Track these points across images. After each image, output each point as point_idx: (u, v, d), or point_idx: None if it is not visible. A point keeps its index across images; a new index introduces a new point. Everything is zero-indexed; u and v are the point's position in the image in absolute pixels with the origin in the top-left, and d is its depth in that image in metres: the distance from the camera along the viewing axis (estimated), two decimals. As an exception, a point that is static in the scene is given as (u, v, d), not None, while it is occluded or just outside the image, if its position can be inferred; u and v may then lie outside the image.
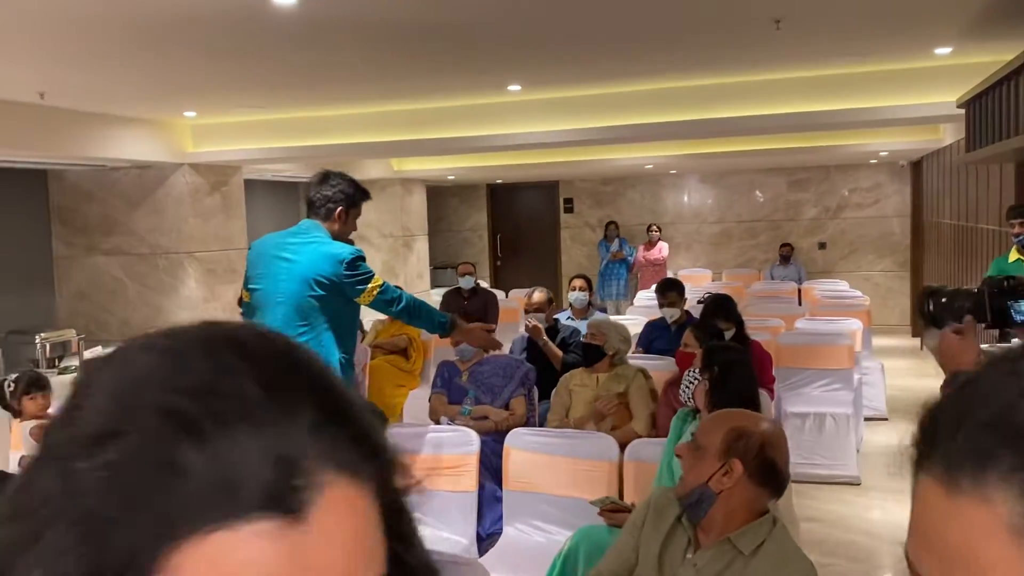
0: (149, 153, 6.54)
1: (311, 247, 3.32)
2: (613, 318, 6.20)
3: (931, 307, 1.87)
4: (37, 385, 3.79)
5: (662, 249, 11.25)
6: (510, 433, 3.63)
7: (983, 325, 1.76)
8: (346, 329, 3.42)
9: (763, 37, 4.36)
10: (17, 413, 3.76)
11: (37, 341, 5.81)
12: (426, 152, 8.49)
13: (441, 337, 3.70)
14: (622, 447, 3.45)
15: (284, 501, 0.44)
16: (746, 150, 9.33)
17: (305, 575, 0.45)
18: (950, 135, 8.07)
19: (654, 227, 11.34)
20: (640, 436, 3.83)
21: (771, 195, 12.31)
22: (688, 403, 3.16)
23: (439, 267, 12.16)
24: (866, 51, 4.88)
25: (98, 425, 0.46)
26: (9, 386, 3.75)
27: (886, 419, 6.93)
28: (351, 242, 3.49)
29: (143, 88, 5.24)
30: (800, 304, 8.83)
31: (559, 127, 6.49)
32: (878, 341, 8.92)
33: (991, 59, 4.95)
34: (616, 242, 11.27)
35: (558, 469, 3.47)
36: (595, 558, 2.85)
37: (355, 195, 3.46)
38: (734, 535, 1.91)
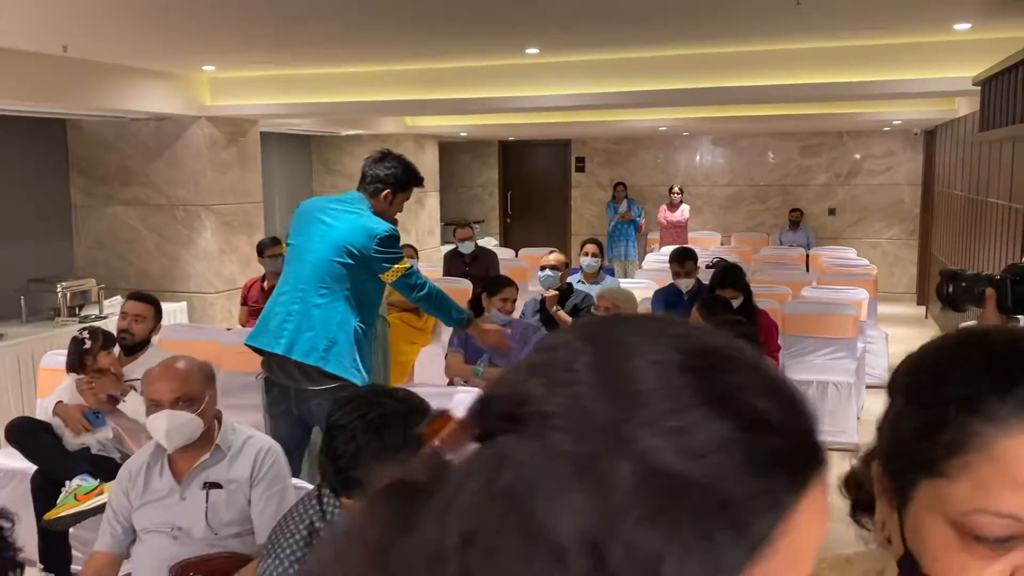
0: (167, 106, 6.59)
1: (350, 217, 3.40)
2: (622, 282, 6.30)
3: (950, 290, 1.96)
4: (112, 339, 3.90)
5: (684, 211, 11.28)
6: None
7: (1004, 314, 1.83)
8: (368, 301, 3.47)
9: (783, 10, 4.38)
10: (84, 367, 3.82)
11: (59, 290, 5.92)
12: (442, 112, 8.51)
13: (459, 328, 3.74)
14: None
15: None
16: (760, 115, 9.32)
17: None
18: (964, 107, 8.05)
19: (676, 189, 11.35)
20: None
21: (783, 160, 12.30)
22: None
23: (450, 223, 12.21)
24: (885, 24, 4.89)
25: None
26: (85, 343, 3.81)
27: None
28: (395, 222, 3.55)
29: (163, 42, 5.28)
30: (807, 270, 8.90)
31: (575, 91, 6.51)
32: (883, 308, 9.00)
33: (1010, 35, 4.97)
34: (624, 203, 11.30)
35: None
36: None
37: (407, 181, 3.49)
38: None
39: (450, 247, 7.93)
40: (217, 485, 2.35)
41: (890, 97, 6.96)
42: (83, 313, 6.01)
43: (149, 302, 4.07)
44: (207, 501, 2.33)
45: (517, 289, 4.84)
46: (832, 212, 12.09)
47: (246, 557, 2.33)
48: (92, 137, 7.15)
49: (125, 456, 3.81)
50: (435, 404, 3.69)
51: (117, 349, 4.02)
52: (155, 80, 6.44)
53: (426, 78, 6.70)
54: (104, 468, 3.71)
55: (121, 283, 6.95)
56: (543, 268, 5.70)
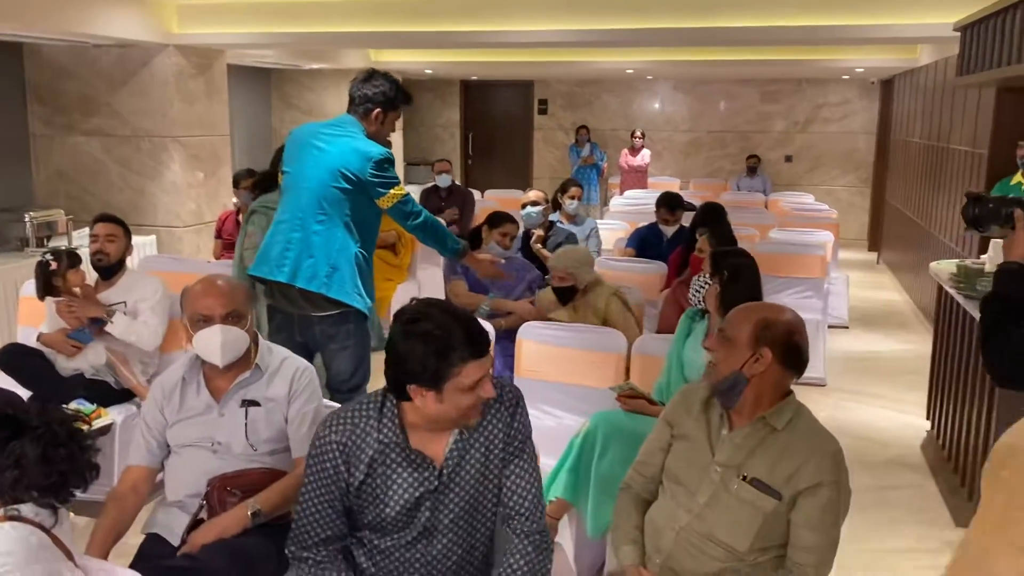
0: (133, 32, 6.36)
1: (343, 140, 3.35)
2: (586, 225, 6.29)
3: (976, 211, 2.07)
4: (77, 258, 3.84)
5: (645, 156, 11.35)
6: (523, 326, 3.83)
7: None
8: (367, 227, 3.45)
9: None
10: (54, 290, 3.78)
11: (27, 219, 5.76)
12: (414, 45, 8.38)
13: (456, 259, 3.76)
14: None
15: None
16: (724, 59, 9.39)
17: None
18: (927, 55, 8.24)
19: (637, 133, 11.41)
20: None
21: (742, 106, 12.44)
22: (699, 305, 3.37)
23: (412, 163, 12.12)
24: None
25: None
26: (50, 265, 3.77)
27: (847, 327, 7.32)
28: (388, 144, 3.53)
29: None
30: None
31: (547, 27, 6.48)
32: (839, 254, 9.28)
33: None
34: (587, 147, 11.34)
35: (568, 360, 3.68)
36: (613, 440, 3.10)
37: (395, 98, 3.41)
38: (767, 413, 2.13)
39: (413, 188, 7.90)
40: (255, 403, 2.38)
41: (860, 42, 7.08)
42: (51, 244, 5.86)
43: (117, 222, 4.01)
44: (246, 418, 2.35)
45: (517, 226, 4.86)
46: (789, 159, 12.32)
47: (282, 472, 2.38)
48: (51, 64, 6.88)
49: (119, 382, 3.81)
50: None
51: (95, 276, 3.97)
52: (120, 4, 6.20)
53: (397, 10, 6.57)
54: (99, 392, 3.70)
55: (84, 215, 6.75)
56: (524, 206, 5.74)
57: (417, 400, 1.91)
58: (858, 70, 10.22)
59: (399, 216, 3.44)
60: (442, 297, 6.28)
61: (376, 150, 3.33)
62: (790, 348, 2.13)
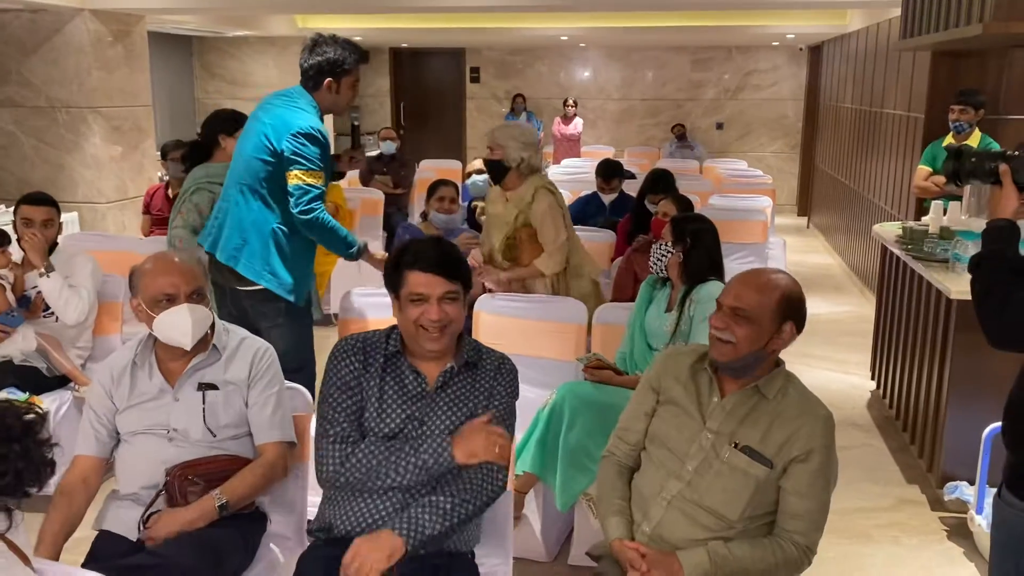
0: (45, -5, 5.98)
1: (278, 111, 3.18)
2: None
3: (957, 165, 2.04)
4: (6, 239, 3.58)
5: (578, 125, 11.29)
6: (480, 298, 3.72)
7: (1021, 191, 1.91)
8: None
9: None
10: None
11: (-64, 198, 5.38)
12: (341, 10, 8.11)
13: (348, 260, 3.47)
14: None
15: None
16: (656, 26, 9.37)
17: None
18: (856, 21, 8.36)
19: (570, 101, 11.32)
20: (545, 276, 3.81)
21: (674, 74, 12.48)
22: (661, 273, 3.32)
23: (341, 134, 11.82)
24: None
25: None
26: None
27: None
28: (355, 108, 3.32)
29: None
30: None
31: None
32: (772, 219, 9.40)
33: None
34: (523, 115, 11.22)
35: (528, 332, 3.60)
36: (580, 411, 3.04)
37: (344, 61, 3.18)
38: (760, 382, 2.09)
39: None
40: (213, 386, 2.22)
41: (795, 7, 7.12)
42: (-36, 223, 5.48)
43: (52, 203, 3.76)
44: (204, 402, 2.20)
45: (455, 188, 4.73)
46: (720, 127, 12.43)
47: (245, 459, 2.24)
48: (-47, 29, 6.43)
49: (52, 368, 3.58)
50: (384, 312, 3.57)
51: (20, 255, 3.72)
52: (30, -35, 5.82)
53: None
54: (30, 379, 3.49)
55: (-2, 192, 6.40)
56: (470, 175, 5.62)
57: (394, 311, 2.16)
58: (788, 36, 10.33)
59: (293, 204, 3.12)
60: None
61: (303, 122, 3.11)
62: (803, 315, 2.10)
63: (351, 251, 3.34)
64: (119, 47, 6.72)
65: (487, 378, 2.17)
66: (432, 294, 2.07)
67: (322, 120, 3.24)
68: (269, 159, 3.15)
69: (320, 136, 3.14)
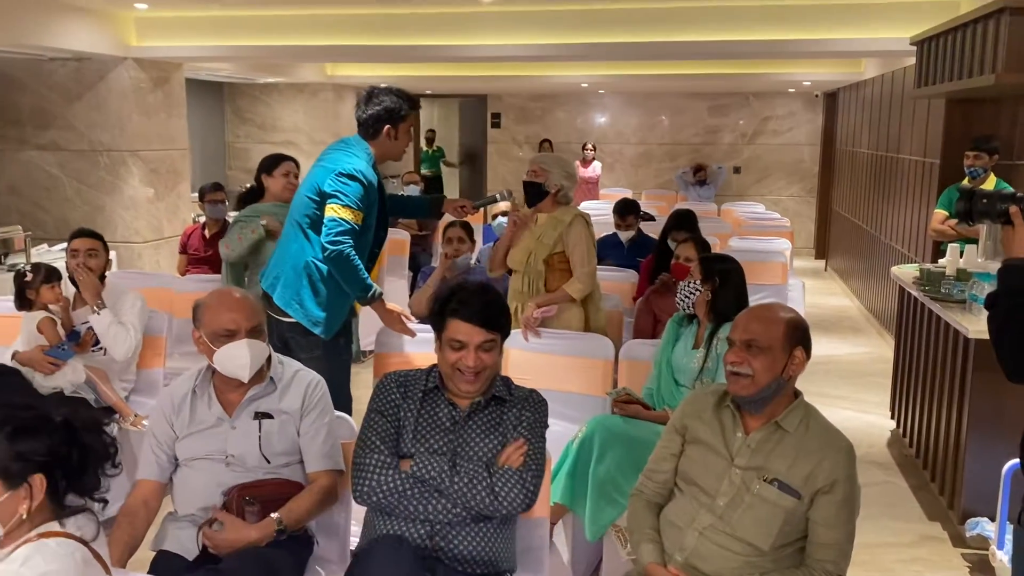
0: (90, 44, 6.25)
1: (333, 155, 3.36)
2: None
3: (969, 206, 2.17)
4: (56, 275, 3.76)
5: (596, 168, 11.53)
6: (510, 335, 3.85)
7: None
8: None
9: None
10: (29, 304, 3.72)
11: (-16, 237, 5.61)
12: (369, 59, 8.38)
13: (360, 304, 3.52)
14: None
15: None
16: (674, 74, 9.59)
17: None
18: (871, 69, 8.55)
19: (588, 145, 11.57)
20: (574, 301, 3.89)
21: (691, 119, 12.70)
22: (688, 310, 3.44)
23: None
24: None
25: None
26: (26, 276, 3.70)
27: (804, 333, 7.51)
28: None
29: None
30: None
31: (503, 42, 6.56)
32: (790, 262, 9.51)
33: None
34: (565, 157, 11.45)
35: (556, 367, 3.72)
36: (610, 444, 3.15)
37: (400, 109, 3.36)
38: (780, 418, 2.21)
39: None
40: (268, 415, 2.36)
41: (810, 56, 7.31)
42: (9, 261, 5.70)
43: (96, 236, 3.96)
44: (260, 431, 2.34)
45: (461, 228, 4.88)
46: (737, 171, 12.61)
47: (297, 484, 2.37)
48: (2, 77, 6.72)
49: (99, 399, 3.73)
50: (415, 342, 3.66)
51: (71, 290, 3.90)
52: (78, 16, 6.09)
53: (353, 24, 6.59)
54: (79, 412, 3.62)
55: (38, 231, 6.63)
56: (496, 216, 5.79)
57: (435, 349, 2.34)
58: (804, 83, 10.54)
59: (325, 233, 3.22)
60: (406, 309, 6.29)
61: (348, 165, 3.26)
62: (809, 341, 2.24)
63: (367, 294, 3.36)
64: (158, 93, 6.99)
65: (516, 408, 2.32)
66: (471, 342, 2.23)
67: (375, 168, 3.39)
68: (315, 198, 3.31)
69: (362, 178, 3.26)
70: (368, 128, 3.39)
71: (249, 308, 2.37)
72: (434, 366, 2.38)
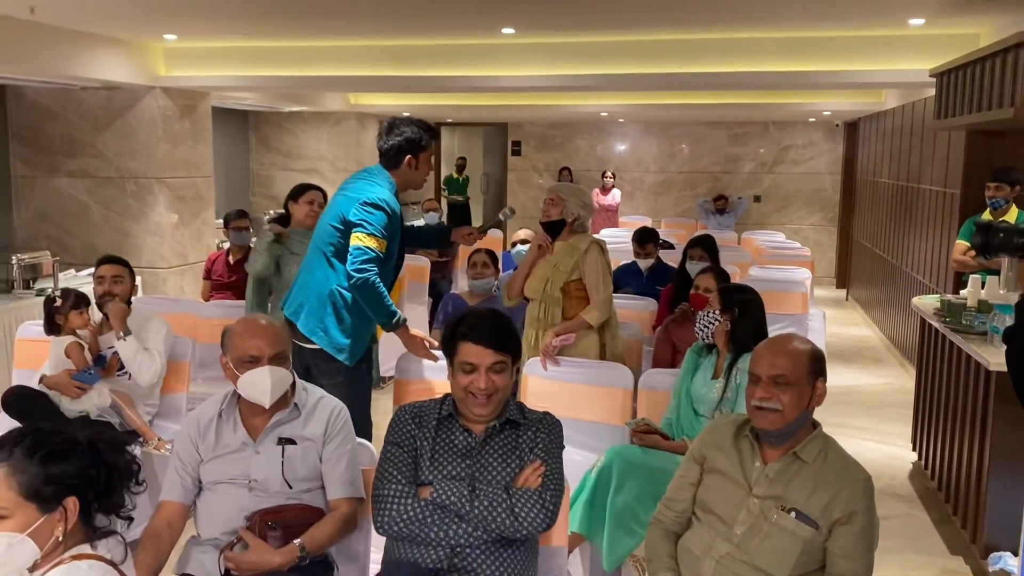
0: (121, 74, 6.40)
1: (356, 185, 3.43)
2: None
3: (986, 239, 2.19)
4: (85, 300, 3.84)
5: (616, 196, 11.59)
6: (528, 362, 3.88)
7: None
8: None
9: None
10: (58, 329, 3.79)
11: (14, 261, 5.71)
12: (392, 89, 8.50)
13: (384, 330, 3.53)
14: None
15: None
16: (694, 103, 9.66)
17: None
18: (892, 99, 8.57)
19: (608, 173, 11.65)
20: (592, 327, 3.91)
21: (711, 148, 12.74)
22: (707, 340, 3.45)
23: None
24: (843, 15, 5.19)
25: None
26: (56, 301, 3.79)
27: (825, 362, 7.48)
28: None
29: (131, 6, 5.14)
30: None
31: (525, 72, 6.65)
32: (811, 291, 9.48)
33: (960, 31, 5.36)
34: (581, 186, 11.52)
35: (575, 395, 3.74)
36: (629, 474, 3.15)
37: (420, 139, 3.45)
38: (799, 448, 2.21)
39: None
40: (292, 441, 2.40)
41: (831, 87, 7.34)
42: (37, 286, 5.81)
43: (122, 263, 4.04)
44: (283, 456, 2.37)
45: (485, 254, 4.93)
46: (758, 199, 12.61)
47: (318, 510, 2.40)
48: (35, 105, 6.88)
49: (124, 424, 3.79)
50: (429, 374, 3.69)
51: (98, 315, 3.98)
52: (109, 47, 6.24)
53: (377, 55, 6.70)
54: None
55: (66, 256, 6.74)
56: (515, 244, 5.84)
57: (448, 375, 2.36)
58: (825, 113, 10.56)
59: (350, 261, 3.28)
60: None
61: (372, 194, 3.32)
62: (826, 370, 2.25)
63: (391, 320, 3.40)
64: (185, 121, 7.13)
65: (531, 431, 2.35)
66: (482, 364, 2.27)
67: (397, 196, 3.46)
68: (339, 227, 3.37)
69: (386, 207, 3.33)
70: (390, 158, 3.46)
71: (273, 335, 2.42)
72: (448, 395, 2.41)
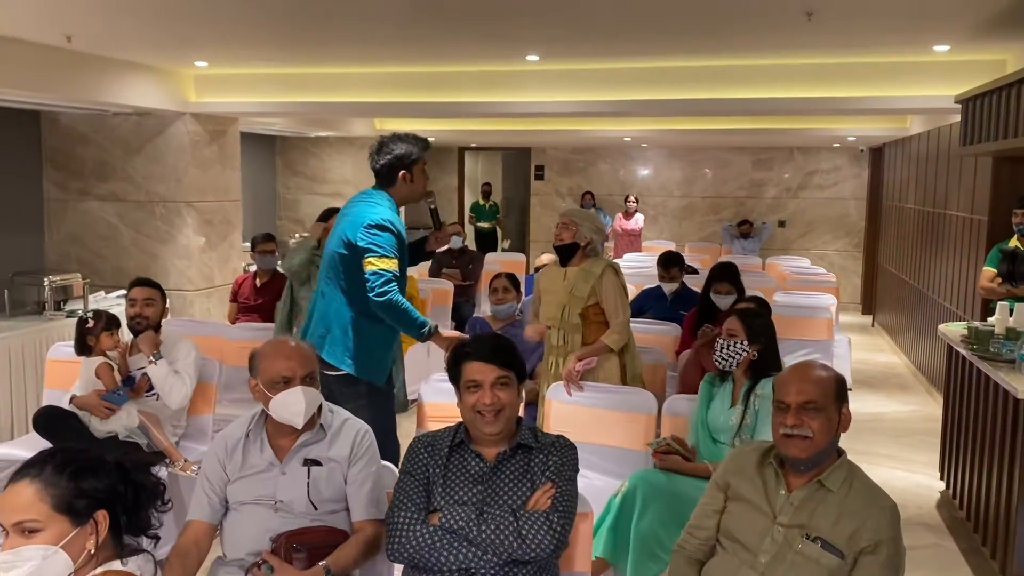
0: (153, 100, 6.53)
1: (356, 209, 3.46)
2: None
3: (1011, 267, 2.19)
4: (115, 322, 3.91)
5: (639, 220, 11.61)
6: (551, 387, 3.89)
7: None
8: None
9: (787, 26, 4.63)
10: (89, 350, 3.86)
11: (46, 283, 5.81)
12: (418, 115, 8.58)
13: (420, 341, 3.54)
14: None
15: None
16: (718, 128, 9.68)
17: None
18: (917, 125, 8.54)
19: (631, 198, 11.68)
20: (612, 351, 3.92)
21: (735, 173, 12.74)
22: (729, 369, 3.44)
23: (411, 228, 12.27)
24: (872, 44, 5.20)
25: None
26: (88, 323, 3.86)
27: (850, 389, 7.39)
28: (429, 194, 3.57)
29: (163, 34, 5.24)
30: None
31: (549, 98, 6.69)
32: (836, 317, 9.41)
33: (986, 58, 5.35)
34: (592, 211, 11.56)
35: (598, 420, 3.74)
36: (652, 500, 3.15)
37: (411, 152, 3.47)
38: (823, 476, 2.20)
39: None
40: (317, 463, 2.42)
41: (856, 113, 7.33)
42: (68, 308, 5.90)
43: (154, 286, 4.11)
44: (309, 477, 2.40)
45: (506, 278, 4.94)
46: (782, 224, 12.57)
47: (342, 531, 2.41)
48: (68, 130, 7.02)
49: (151, 444, 3.83)
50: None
51: (128, 337, 4.04)
52: (141, 74, 6.37)
53: (403, 81, 6.78)
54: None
55: (95, 278, 6.84)
56: (538, 269, 5.86)
57: (457, 403, 2.39)
58: (849, 139, 10.54)
59: (369, 289, 3.30)
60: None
61: (375, 216, 3.35)
62: (848, 396, 2.25)
63: (423, 331, 3.44)
64: (214, 146, 7.24)
65: (543, 454, 2.34)
66: (485, 380, 2.31)
67: (398, 212, 3.51)
68: (346, 252, 3.40)
69: (392, 226, 3.37)
70: (384, 177, 3.50)
71: (303, 356, 2.46)
72: (461, 423, 2.43)
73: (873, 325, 10.85)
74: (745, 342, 3.37)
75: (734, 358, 3.39)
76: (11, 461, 3.84)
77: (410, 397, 5.84)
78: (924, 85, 5.75)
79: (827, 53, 5.65)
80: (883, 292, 10.50)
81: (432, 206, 3.69)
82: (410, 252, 4.31)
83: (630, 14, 4.49)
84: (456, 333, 3.70)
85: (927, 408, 6.91)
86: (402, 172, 3.49)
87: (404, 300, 3.38)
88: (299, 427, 2.42)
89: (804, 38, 5.02)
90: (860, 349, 9.10)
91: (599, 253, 4.14)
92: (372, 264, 3.30)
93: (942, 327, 4.95)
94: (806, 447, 2.18)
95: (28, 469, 1.71)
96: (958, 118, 5.76)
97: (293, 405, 2.39)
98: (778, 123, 9.20)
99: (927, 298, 7.77)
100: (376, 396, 3.53)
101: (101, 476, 1.73)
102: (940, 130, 7.56)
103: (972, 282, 6.03)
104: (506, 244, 12.45)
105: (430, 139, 10.33)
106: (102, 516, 1.69)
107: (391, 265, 3.32)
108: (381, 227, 3.33)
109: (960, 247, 6.65)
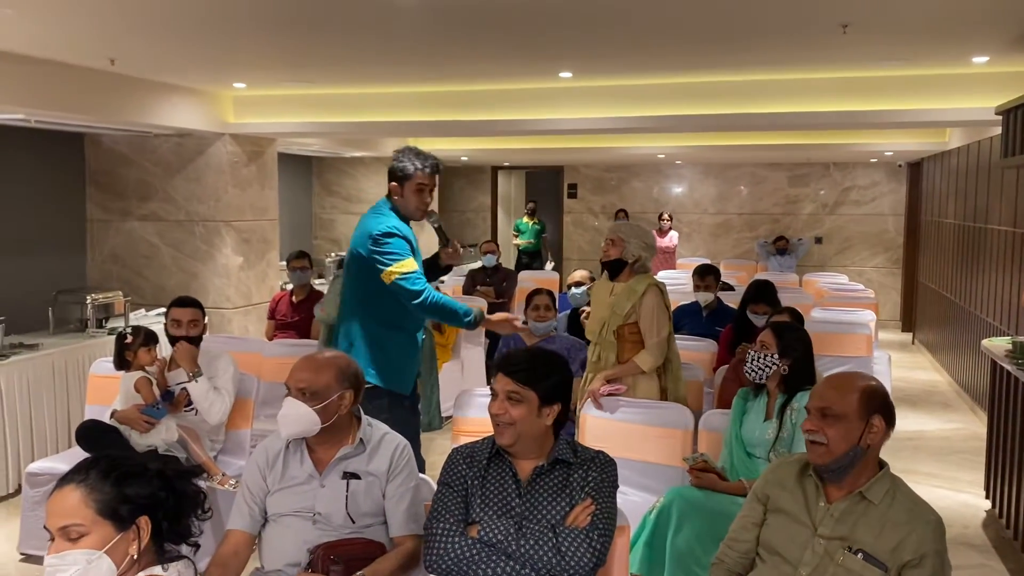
0: (193, 122, 6.65)
1: (364, 222, 3.50)
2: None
3: None
4: (154, 338, 3.98)
5: (673, 238, 11.57)
6: (587, 403, 3.87)
7: None
8: (381, 300, 3.42)
9: (822, 39, 4.61)
10: (127, 365, 3.93)
11: (88, 301, 5.92)
12: (451, 133, 8.64)
13: (470, 330, 3.58)
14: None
15: None
16: (753, 144, 9.61)
17: None
18: (956, 139, 8.42)
19: (665, 216, 11.65)
20: (644, 373, 3.86)
21: (771, 189, 12.65)
22: (760, 381, 3.40)
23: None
24: (908, 56, 5.15)
25: None
26: (127, 338, 3.93)
27: (891, 407, 7.28)
28: (432, 214, 3.59)
29: (203, 57, 5.35)
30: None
31: (582, 115, 6.70)
32: (875, 334, 9.27)
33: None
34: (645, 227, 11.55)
35: (634, 436, 3.71)
36: (688, 516, 3.12)
37: (405, 168, 3.48)
38: (864, 488, 2.17)
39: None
40: (356, 476, 2.43)
41: (894, 127, 7.25)
42: (110, 325, 6.01)
43: (197, 305, 4.16)
44: (347, 490, 2.41)
45: (548, 296, 4.95)
46: (819, 241, 12.44)
47: (380, 545, 2.42)
48: (111, 152, 7.17)
49: (190, 458, 3.88)
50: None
51: (167, 352, 4.10)
52: (182, 96, 6.51)
53: (437, 100, 6.84)
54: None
55: (135, 297, 6.96)
56: (570, 287, 5.86)
57: None
58: (887, 154, 10.41)
59: (401, 292, 3.33)
60: (484, 377, 6.34)
61: (378, 226, 3.37)
62: (890, 410, 2.20)
63: (468, 320, 3.47)
64: (253, 167, 7.36)
65: (582, 470, 2.32)
66: (500, 391, 2.33)
67: (407, 222, 3.52)
68: (359, 265, 3.45)
69: (397, 231, 3.39)
70: (389, 187, 3.57)
71: (310, 370, 2.45)
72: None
73: (913, 343, 10.66)
74: (776, 355, 3.33)
75: (764, 370, 3.35)
76: (54, 475, 3.91)
77: (444, 414, 5.85)
78: (963, 97, 5.67)
79: (863, 66, 5.60)
80: (923, 309, 10.32)
81: (436, 225, 3.71)
82: (426, 269, 4.36)
83: (663, 29, 4.49)
84: (504, 314, 3.72)
85: (970, 426, 6.77)
86: (392, 184, 3.54)
87: (440, 295, 3.41)
88: (281, 436, 2.45)
89: (839, 51, 4.98)
90: (900, 367, 8.95)
91: (648, 270, 4.07)
92: (394, 273, 3.32)
93: (986, 342, 4.86)
94: (822, 454, 2.15)
95: (74, 475, 1.74)
96: (998, 130, 5.67)
97: (280, 416, 2.43)
98: (814, 138, 9.13)
99: (969, 314, 7.62)
100: (398, 410, 3.53)
101: (144, 483, 1.76)
102: (980, 143, 7.45)
103: (1015, 296, 5.91)
104: (550, 265, 12.40)
105: (463, 158, 10.31)
106: (144, 522, 1.72)
107: (410, 266, 3.35)
108: (388, 235, 3.37)
109: (1002, 261, 6.53)
